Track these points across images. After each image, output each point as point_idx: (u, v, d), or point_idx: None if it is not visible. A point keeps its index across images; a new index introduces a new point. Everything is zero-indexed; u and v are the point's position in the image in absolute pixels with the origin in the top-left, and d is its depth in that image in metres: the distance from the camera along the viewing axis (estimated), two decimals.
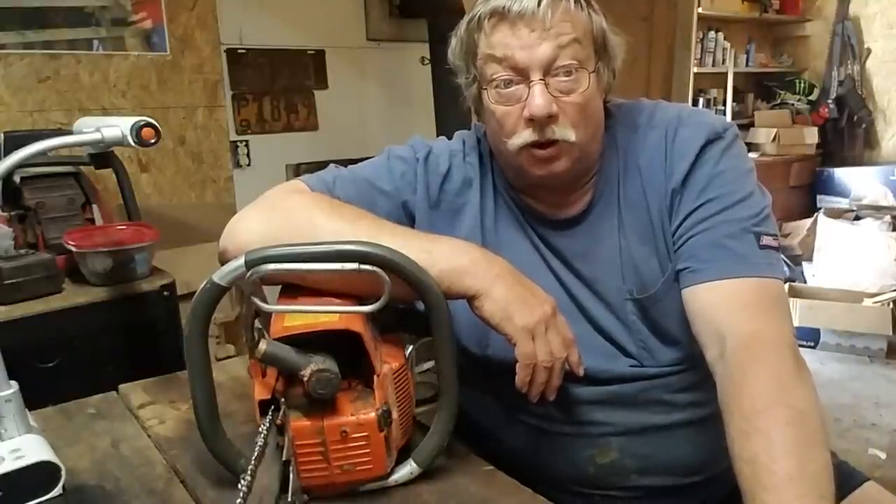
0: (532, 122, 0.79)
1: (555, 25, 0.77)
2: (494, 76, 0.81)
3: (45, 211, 1.55)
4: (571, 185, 0.88)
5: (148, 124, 0.81)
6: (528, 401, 0.75)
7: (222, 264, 0.69)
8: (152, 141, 0.82)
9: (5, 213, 1.46)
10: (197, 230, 2.34)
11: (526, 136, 0.80)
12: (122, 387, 1.01)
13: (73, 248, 1.45)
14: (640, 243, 0.86)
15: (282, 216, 0.80)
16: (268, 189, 0.87)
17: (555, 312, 0.73)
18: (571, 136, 0.80)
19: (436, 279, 0.69)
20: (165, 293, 1.52)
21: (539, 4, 0.77)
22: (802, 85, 4.64)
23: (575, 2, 0.79)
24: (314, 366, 0.64)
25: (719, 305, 0.77)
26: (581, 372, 0.77)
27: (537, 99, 0.78)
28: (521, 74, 0.79)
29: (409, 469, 0.72)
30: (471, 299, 0.72)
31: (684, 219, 0.83)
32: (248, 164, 2.80)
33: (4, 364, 0.73)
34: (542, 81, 0.78)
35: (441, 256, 0.72)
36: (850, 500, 0.88)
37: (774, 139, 4.25)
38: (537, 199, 0.90)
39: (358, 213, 0.79)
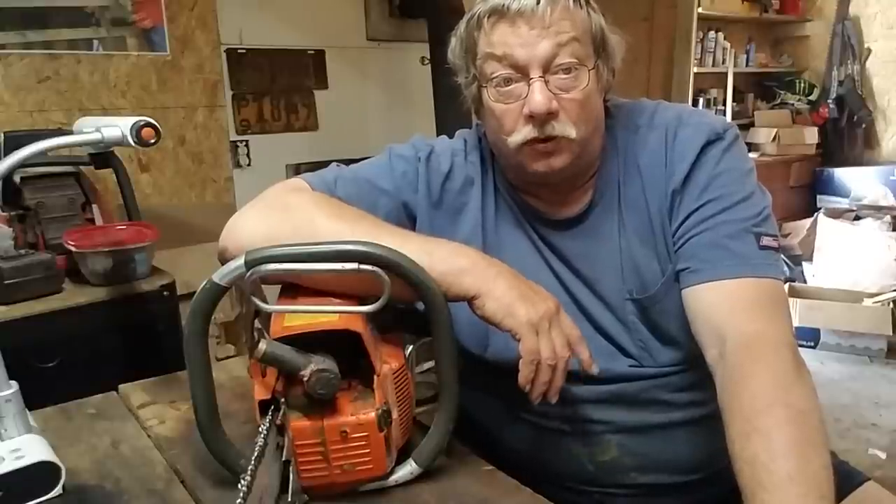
0: (532, 119, 0.79)
1: (554, 23, 0.78)
2: (494, 74, 0.81)
3: (45, 211, 1.55)
4: (571, 182, 0.88)
5: (148, 124, 0.81)
6: (529, 400, 0.74)
7: (222, 263, 0.69)
8: (152, 141, 0.82)
9: (5, 213, 1.46)
10: (197, 230, 2.34)
11: (526, 132, 0.80)
12: (122, 387, 1.01)
13: (73, 248, 1.45)
14: (640, 244, 0.86)
15: (281, 216, 0.80)
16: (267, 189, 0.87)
17: (559, 310, 0.73)
18: (572, 132, 0.80)
19: (436, 281, 0.69)
20: (165, 293, 1.52)
21: (538, 2, 0.77)
22: (802, 85, 4.64)
23: (574, 0, 0.79)
24: (314, 366, 0.64)
25: (719, 305, 0.77)
26: (595, 370, 0.74)
27: (537, 96, 0.78)
28: (521, 72, 0.79)
29: (409, 469, 0.72)
30: (471, 300, 0.72)
31: (685, 219, 0.83)
32: (248, 164, 2.80)
33: (4, 364, 0.73)
34: (542, 79, 0.79)
35: (441, 258, 0.72)
36: (850, 500, 0.88)
37: (774, 139, 4.25)
38: (538, 198, 0.90)
39: (358, 215, 0.79)
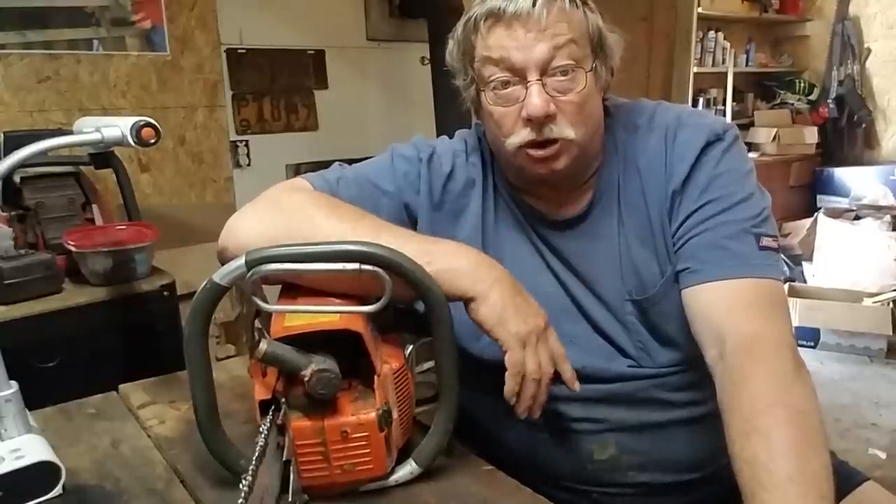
0: (530, 121, 0.79)
1: (550, 26, 0.77)
2: (492, 78, 0.81)
3: (45, 211, 1.55)
4: (572, 182, 0.88)
5: (148, 124, 0.81)
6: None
7: (222, 263, 0.69)
8: (152, 141, 0.82)
9: (5, 213, 1.46)
10: (197, 230, 2.34)
11: (524, 135, 0.80)
12: (122, 387, 1.01)
13: (73, 248, 1.45)
14: (639, 245, 0.86)
15: (281, 215, 0.80)
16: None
17: (547, 326, 0.73)
18: (570, 133, 0.80)
19: (433, 279, 0.69)
20: (165, 293, 1.52)
21: (534, 5, 0.77)
22: (802, 85, 4.64)
23: (570, 1, 0.79)
24: (315, 366, 0.64)
25: (719, 306, 0.77)
26: (576, 387, 0.75)
27: (534, 99, 0.78)
28: (519, 75, 0.79)
29: (409, 469, 0.72)
30: (467, 302, 0.72)
31: (684, 220, 0.83)
32: (248, 164, 2.80)
33: (4, 364, 0.73)
34: (540, 81, 0.78)
35: (440, 257, 0.72)
36: (850, 499, 0.88)
37: (774, 139, 4.25)
38: (538, 199, 0.90)
39: (358, 214, 0.79)
